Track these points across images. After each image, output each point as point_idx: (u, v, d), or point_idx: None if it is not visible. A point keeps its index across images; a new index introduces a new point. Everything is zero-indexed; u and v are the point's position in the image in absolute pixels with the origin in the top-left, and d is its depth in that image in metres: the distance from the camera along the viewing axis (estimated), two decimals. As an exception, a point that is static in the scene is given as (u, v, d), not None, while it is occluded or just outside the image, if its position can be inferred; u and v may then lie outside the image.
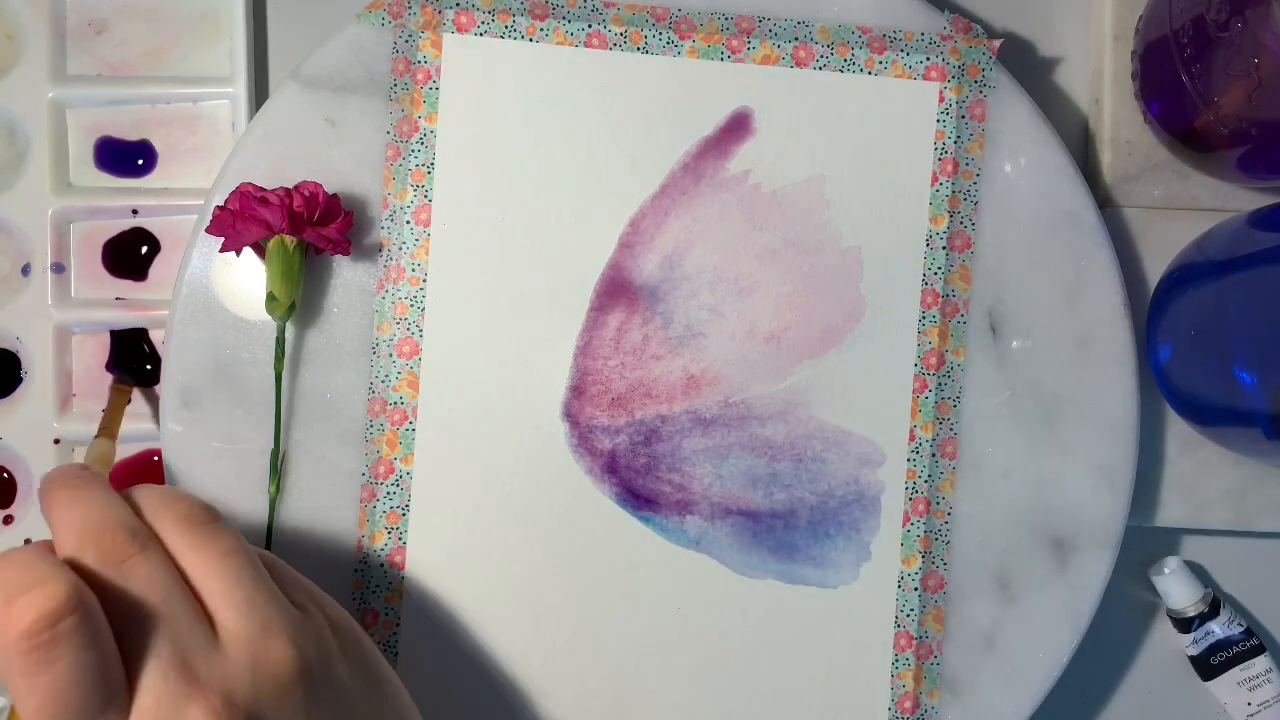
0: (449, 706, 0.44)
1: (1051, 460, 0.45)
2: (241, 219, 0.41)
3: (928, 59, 0.45)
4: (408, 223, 0.44)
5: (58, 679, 0.28)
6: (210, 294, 0.44)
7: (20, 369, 0.47)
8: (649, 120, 0.44)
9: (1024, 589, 0.45)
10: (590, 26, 0.44)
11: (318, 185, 0.42)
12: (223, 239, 0.41)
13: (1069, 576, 0.45)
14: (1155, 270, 0.48)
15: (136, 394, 0.48)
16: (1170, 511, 0.48)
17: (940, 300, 0.45)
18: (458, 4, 0.44)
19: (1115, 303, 0.45)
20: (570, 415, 0.44)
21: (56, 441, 0.47)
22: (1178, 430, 0.48)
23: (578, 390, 0.44)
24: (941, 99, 0.45)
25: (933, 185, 0.45)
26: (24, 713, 0.29)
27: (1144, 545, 0.50)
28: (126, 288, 0.48)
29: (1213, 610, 0.49)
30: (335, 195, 0.43)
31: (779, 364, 0.45)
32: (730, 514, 0.45)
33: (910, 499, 0.45)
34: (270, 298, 0.42)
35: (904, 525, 0.45)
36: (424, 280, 0.44)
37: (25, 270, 0.47)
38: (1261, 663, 0.48)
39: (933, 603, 0.45)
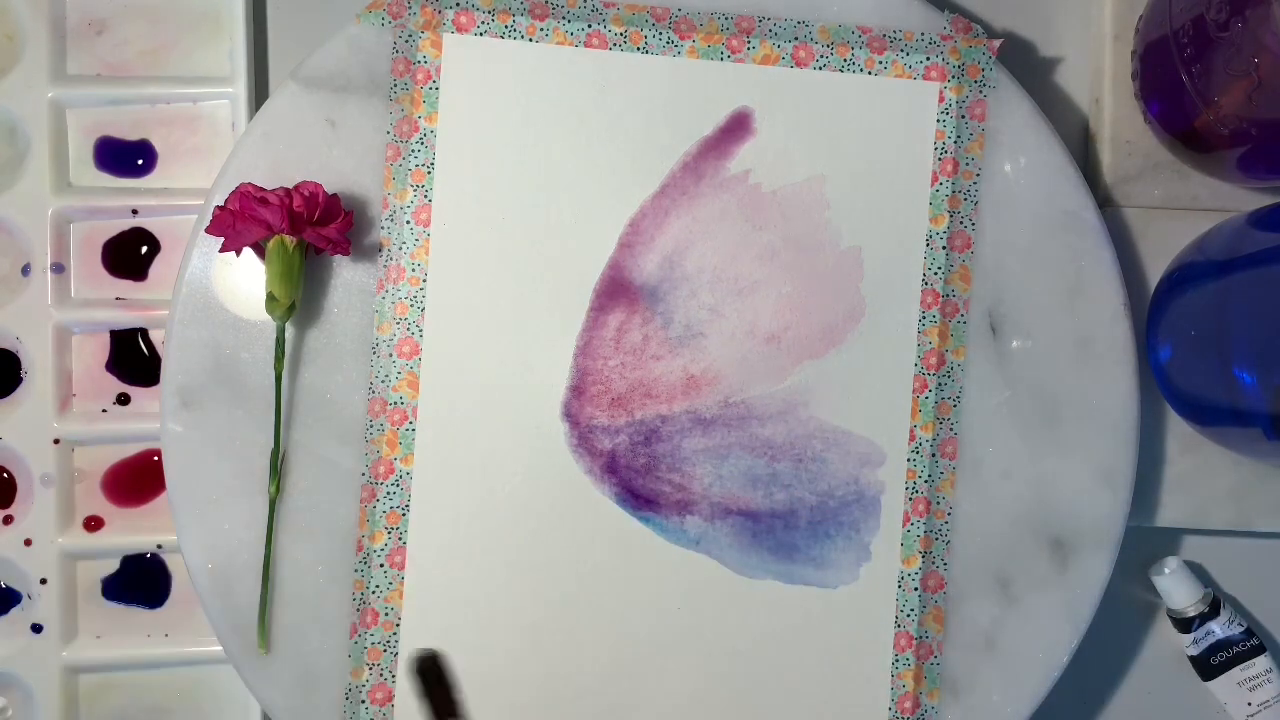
0: (449, 706, 0.44)
1: (1051, 460, 0.45)
2: (241, 219, 0.41)
3: (928, 59, 0.45)
4: (408, 223, 0.44)
5: None
6: (210, 294, 0.44)
7: (20, 369, 0.47)
8: (649, 120, 0.44)
9: (1024, 589, 0.45)
10: (590, 26, 0.44)
11: (318, 185, 0.42)
12: (223, 239, 0.41)
13: (1069, 576, 0.45)
14: (1155, 270, 0.48)
15: (136, 394, 0.48)
16: (1170, 511, 0.48)
17: (940, 300, 0.45)
18: (458, 4, 0.44)
19: (1115, 303, 0.45)
20: (570, 415, 0.44)
21: (56, 441, 0.47)
22: (1178, 430, 0.48)
23: (578, 390, 0.44)
24: (941, 99, 0.45)
25: (933, 185, 0.45)
26: None
27: (1144, 545, 0.50)
28: (126, 288, 0.48)
29: (1213, 610, 0.49)
30: (335, 195, 0.43)
31: (779, 364, 0.45)
32: (730, 514, 0.45)
33: (910, 499, 0.45)
34: (270, 298, 0.42)
35: (904, 525, 0.45)
36: (424, 280, 0.44)
37: (25, 270, 0.47)
38: (1261, 663, 0.48)
39: (933, 603, 0.45)
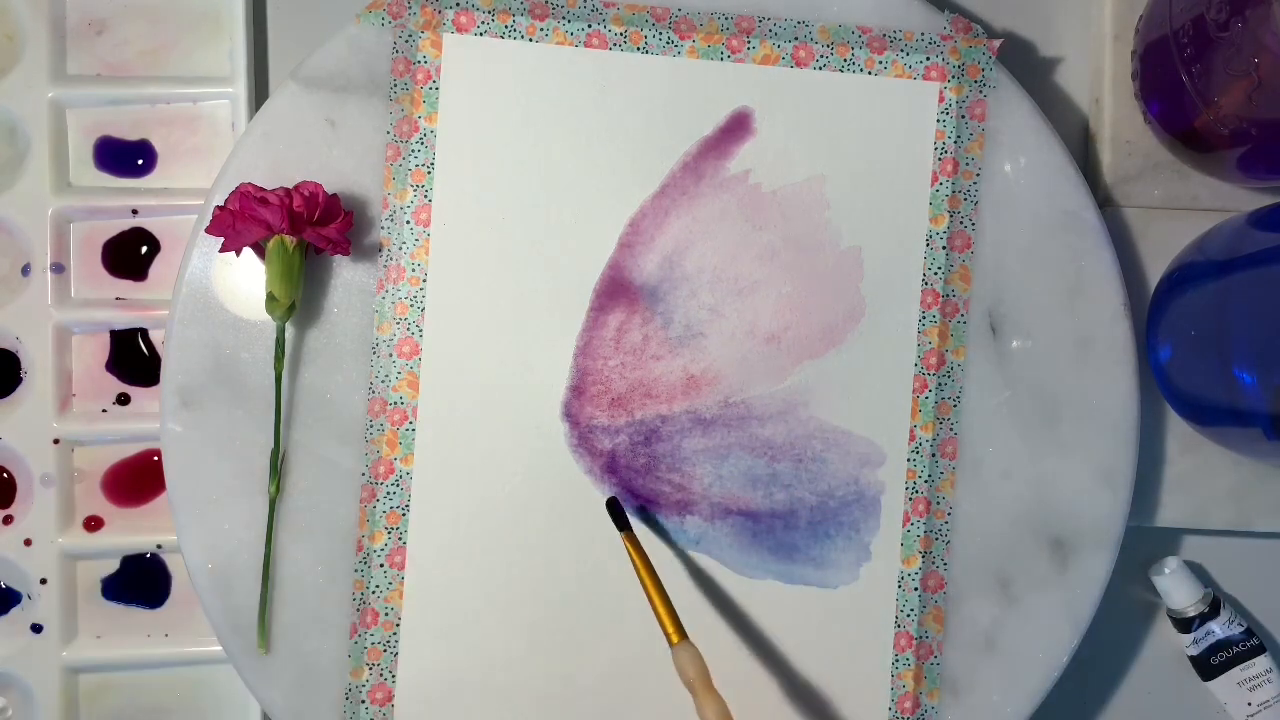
0: (450, 706, 0.44)
1: (1051, 460, 0.45)
2: (241, 219, 0.41)
3: (928, 59, 0.45)
4: (408, 223, 0.44)
5: None
6: (210, 294, 0.44)
7: (20, 369, 0.47)
8: (649, 120, 0.44)
9: (1024, 589, 0.45)
10: (590, 26, 0.44)
11: (318, 185, 0.42)
12: (223, 239, 0.41)
13: (1069, 576, 0.45)
14: (1155, 270, 0.48)
15: (136, 394, 0.48)
16: (1170, 511, 0.48)
17: (940, 300, 0.45)
18: (458, 4, 0.44)
19: (1115, 303, 0.45)
20: (570, 415, 0.44)
21: (56, 441, 0.47)
22: (1178, 430, 0.48)
23: (578, 390, 0.44)
24: (941, 99, 0.45)
25: (933, 185, 0.45)
26: None
27: (1144, 545, 0.50)
28: (126, 288, 0.48)
29: (1213, 610, 0.49)
30: (335, 195, 0.43)
31: (779, 364, 0.45)
32: (730, 514, 0.45)
33: (910, 499, 0.45)
34: (270, 298, 0.42)
35: (904, 525, 0.45)
36: (424, 280, 0.44)
37: (25, 270, 0.47)
38: (1261, 663, 0.48)
39: (933, 603, 0.45)
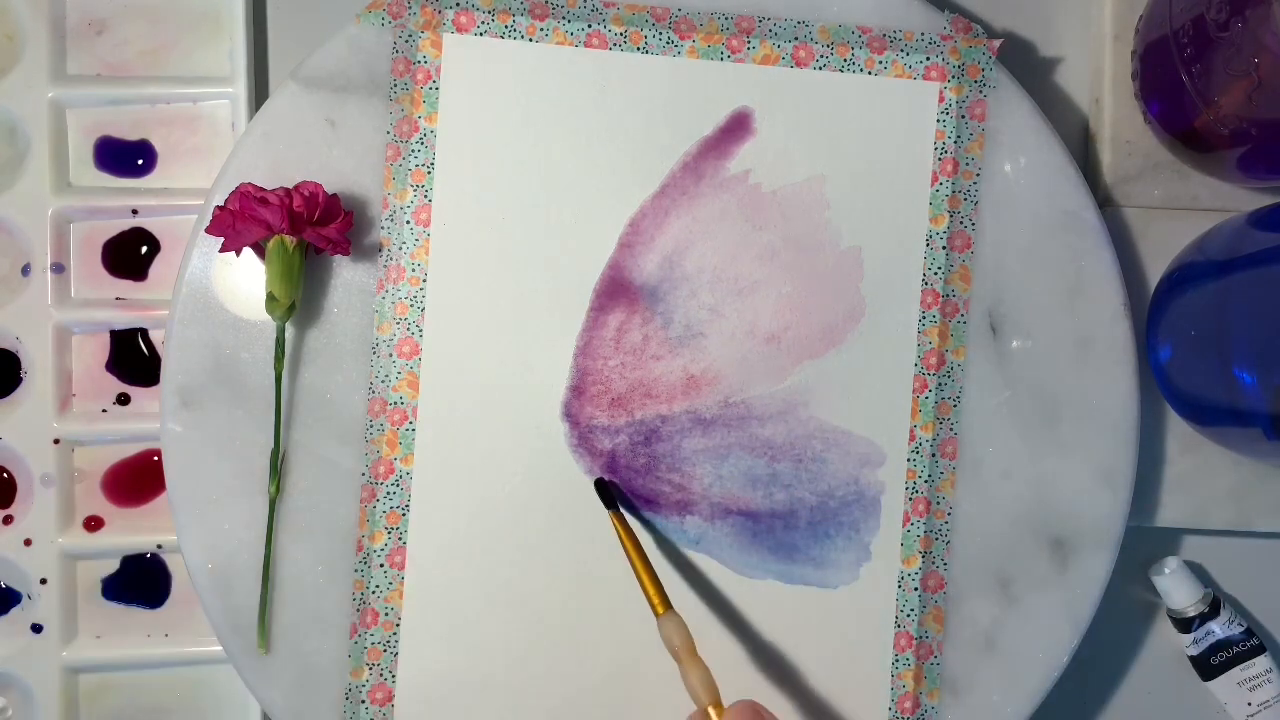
0: (450, 706, 0.44)
1: (1051, 460, 0.45)
2: (241, 219, 0.41)
3: (928, 59, 0.45)
4: (408, 223, 0.44)
5: None
6: (210, 294, 0.44)
7: (20, 369, 0.47)
8: (649, 120, 0.44)
9: (1024, 589, 0.45)
10: (590, 26, 0.44)
11: (318, 185, 0.42)
12: (223, 239, 0.41)
13: (1069, 576, 0.45)
14: (1155, 270, 0.48)
15: (136, 394, 0.48)
16: (1170, 511, 0.48)
17: (940, 300, 0.45)
18: (458, 4, 0.44)
19: (1115, 303, 0.45)
20: (570, 415, 0.44)
21: (56, 441, 0.47)
22: (1178, 430, 0.48)
23: (578, 390, 0.44)
24: (941, 99, 0.45)
25: (933, 185, 0.45)
26: None
27: (1144, 545, 0.50)
28: (126, 288, 0.48)
29: (1213, 610, 0.49)
30: (335, 195, 0.43)
31: (779, 364, 0.45)
32: (730, 514, 0.45)
33: (910, 499, 0.45)
34: (270, 298, 0.42)
35: (904, 525, 0.45)
36: (424, 280, 0.44)
37: (25, 270, 0.47)
38: (1261, 663, 0.48)
39: (933, 603, 0.45)
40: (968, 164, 0.45)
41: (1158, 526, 0.48)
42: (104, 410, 0.47)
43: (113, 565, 0.48)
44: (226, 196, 0.42)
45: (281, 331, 0.42)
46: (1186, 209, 0.48)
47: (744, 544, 0.45)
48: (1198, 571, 0.50)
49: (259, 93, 0.48)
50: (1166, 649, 0.50)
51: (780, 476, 0.45)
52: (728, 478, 0.45)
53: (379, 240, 0.44)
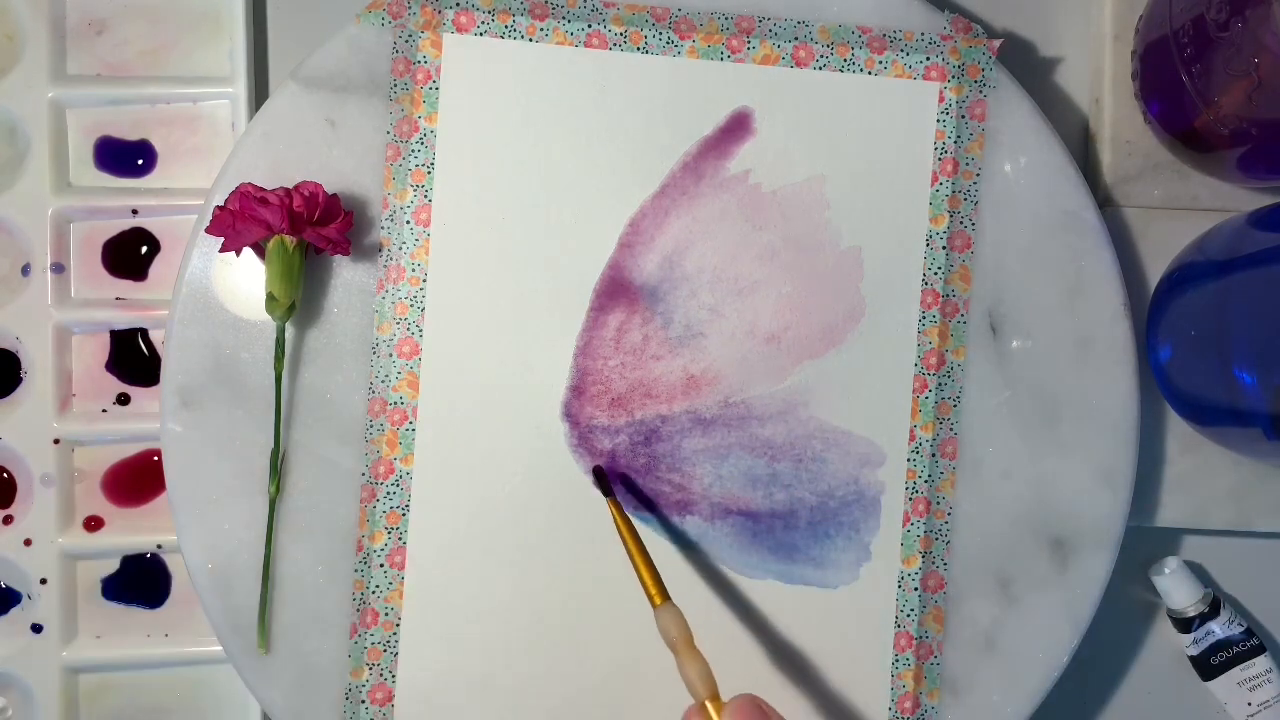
0: (450, 706, 0.44)
1: (1051, 460, 0.45)
2: (241, 219, 0.41)
3: (928, 59, 0.45)
4: (408, 223, 0.44)
5: None
6: (210, 294, 0.44)
7: (20, 369, 0.47)
8: (649, 120, 0.44)
9: (1024, 589, 0.45)
10: (590, 26, 0.44)
11: (318, 185, 0.42)
12: (223, 239, 0.41)
13: (1069, 576, 0.45)
14: (1155, 270, 0.48)
15: (136, 394, 0.48)
16: (1170, 511, 0.48)
17: (940, 300, 0.45)
18: (458, 4, 0.44)
19: (1115, 303, 0.45)
20: (570, 415, 0.44)
21: (56, 441, 0.47)
22: (1178, 430, 0.48)
23: (578, 390, 0.44)
24: (941, 99, 0.45)
25: (933, 185, 0.45)
26: None
27: (1144, 545, 0.50)
28: (126, 288, 0.48)
29: (1213, 610, 0.49)
30: (335, 195, 0.43)
31: (779, 364, 0.45)
32: (730, 514, 0.45)
33: (910, 499, 0.45)
34: (270, 298, 0.42)
35: (904, 525, 0.45)
36: (424, 280, 0.44)
37: (25, 270, 0.47)
38: (1261, 663, 0.48)
39: (933, 603, 0.45)
40: (968, 164, 0.45)
41: (1158, 526, 0.48)
42: (104, 410, 0.47)
43: (113, 565, 0.48)
44: (226, 196, 0.42)
45: (281, 331, 0.42)
46: (1186, 209, 0.48)
47: (744, 544, 0.45)
48: (1198, 571, 0.50)
49: (259, 93, 0.48)
50: (1166, 649, 0.50)
51: (780, 476, 0.45)
52: (728, 478, 0.45)
53: (379, 240, 0.44)
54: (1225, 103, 0.42)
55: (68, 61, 0.48)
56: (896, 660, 0.45)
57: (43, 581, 0.47)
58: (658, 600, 0.39)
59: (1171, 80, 0.44)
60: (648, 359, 0.45)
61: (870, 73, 0.45)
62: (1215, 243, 0.45)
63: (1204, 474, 0.48)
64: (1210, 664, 0.49)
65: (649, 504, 0.44)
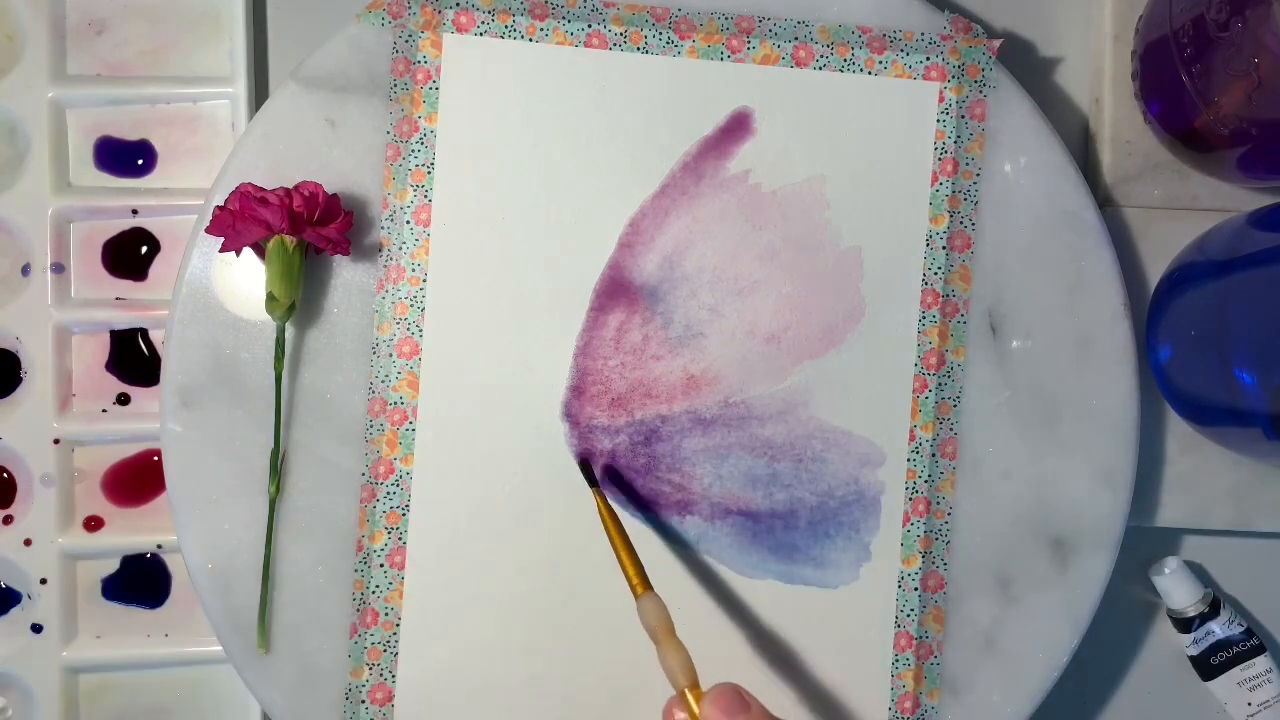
0: (450, 706, 0.44)
1: (1051, 460, 0.45)
2: (241, 219, 0.41)
3: (928, 59, 0.45)
4: (408, 223, 0.44)
5: None
6: (210, 294, 0.44)
7: (20, 369, 0.47)
8: (649, 120, 0.44)
9: (1024, 589, 0.45)
10: (590, 26, 0.44)
11: (318, 185, 0.42)
12: (223, 239, 0.41)
13: (1069, 576, 0.45)
14: (1155, 270, 0.48)
15: (136, 394, 0.48)
16: (1170, 511, 0.48)
17: (940, 300, 0.45)
18: (458, 4, 0.44)
19: (1115, 303, 0.45)
20: (570, 415, 0.44)
21: (56, 441, 0.47)
22: (1178, 430, 0.48)
23: (578, 390, 0.44)
24: (941, 99, 0.45)
25: (933, 185, 0.45)
26: None
27: (1144, 545, 0.50)
28: (126, 288, 0.48)
29: (1213, 610, 0.49)
30: (335, 195, 0.43)
31: (779, 364, 0.45)
32: (730, 514, 0.45)
33: (910, 499, 0.45)
34: (270, 298, 0.42)
35: (904, 525, 0.45)
36: (424, 280, 0.44)
37: (25, 270, 0.47)
38: (1261, 663, 0.48)
39: (933, 603, 0.45)
40: (968, 164, 0.45)
41: (1158, 526, 0.48)
42: (104, 410, 0.47)
43: (113, 565, 0.48)
44: (226, 196, 0.42)
45: (281, 331, 0.42)
46: (1186, 209, 0.48)
47: (744, 544, 0.45)
48: (1198, 571, 0.50)
49: (259, 93, 0.48)
50: (1166, 649, 0.50)
51: (780, 476, 0.45)
52: (728, 478, 0.45)
53: (379, 240, 0.44)
54: (1225, 103, 0.42)
55: (68, 61, 0.48)
56: (896, 660, 0.45)
57: (43, 581, 0.47)
58: (639, 590, 0.38)
59: (1171, 80, 0.44)
60: (648, 359, 0.45)
61: (870, 73, 0.45)
62: (1215, 243, 0.45)
63: (1204, 474, 0.48)
64: (1210, 664, 0.49)
65: (649, 504, 0.44)
